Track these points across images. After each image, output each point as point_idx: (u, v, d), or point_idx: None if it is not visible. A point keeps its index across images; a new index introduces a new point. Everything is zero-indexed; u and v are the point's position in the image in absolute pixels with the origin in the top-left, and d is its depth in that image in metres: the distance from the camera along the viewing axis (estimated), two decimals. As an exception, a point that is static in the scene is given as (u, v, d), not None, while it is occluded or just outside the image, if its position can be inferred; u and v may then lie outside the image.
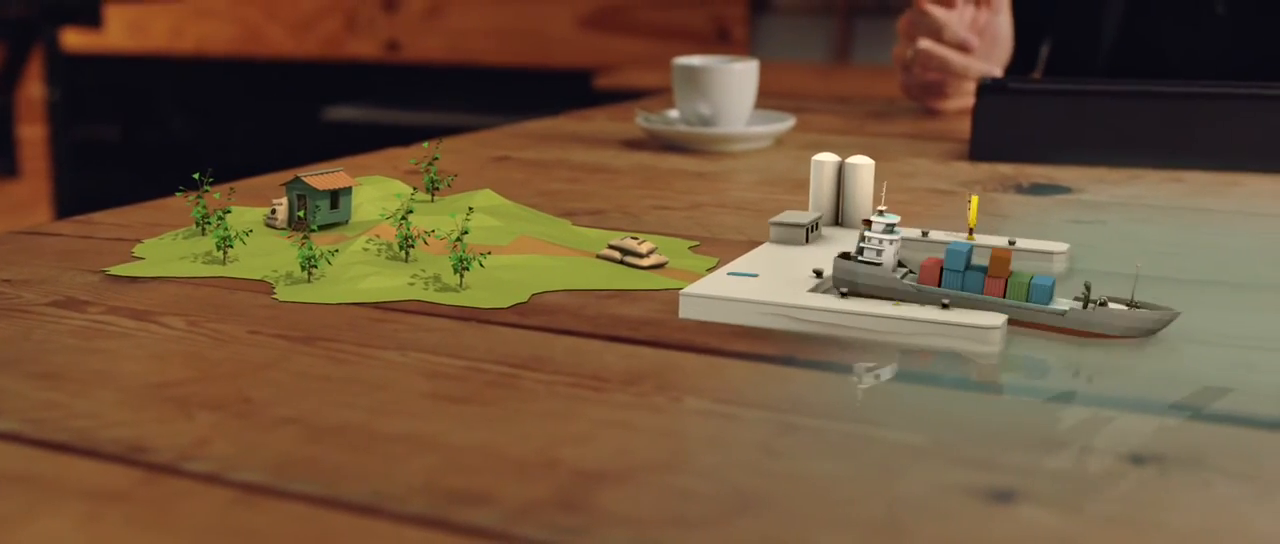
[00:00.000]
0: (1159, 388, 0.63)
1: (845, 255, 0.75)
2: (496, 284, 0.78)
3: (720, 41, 3.56)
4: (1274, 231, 0.96)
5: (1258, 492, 0.51)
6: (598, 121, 1.45)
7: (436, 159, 0.92)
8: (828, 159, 0.91)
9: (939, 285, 0.73)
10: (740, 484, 0.51)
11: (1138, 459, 0.54)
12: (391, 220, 0.82)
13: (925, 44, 1.37)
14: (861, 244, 0.75)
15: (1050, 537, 0.47)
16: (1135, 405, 0.60)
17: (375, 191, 0.92)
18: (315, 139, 3.85)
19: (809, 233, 0.87)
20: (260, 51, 4.00)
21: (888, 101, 1.63)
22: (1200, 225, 0.97)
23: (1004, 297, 0.72)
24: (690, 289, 0.75)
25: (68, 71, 3.18)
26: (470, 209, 0.83)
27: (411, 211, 0.82)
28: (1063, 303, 0.72)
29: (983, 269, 0.73)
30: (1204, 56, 1.44)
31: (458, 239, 0.77)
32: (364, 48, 3.92)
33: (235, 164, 1.18)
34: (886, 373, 0.65)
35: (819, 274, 0.78)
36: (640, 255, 0.83)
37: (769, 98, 1.54)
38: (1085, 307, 0.71)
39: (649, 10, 3.64)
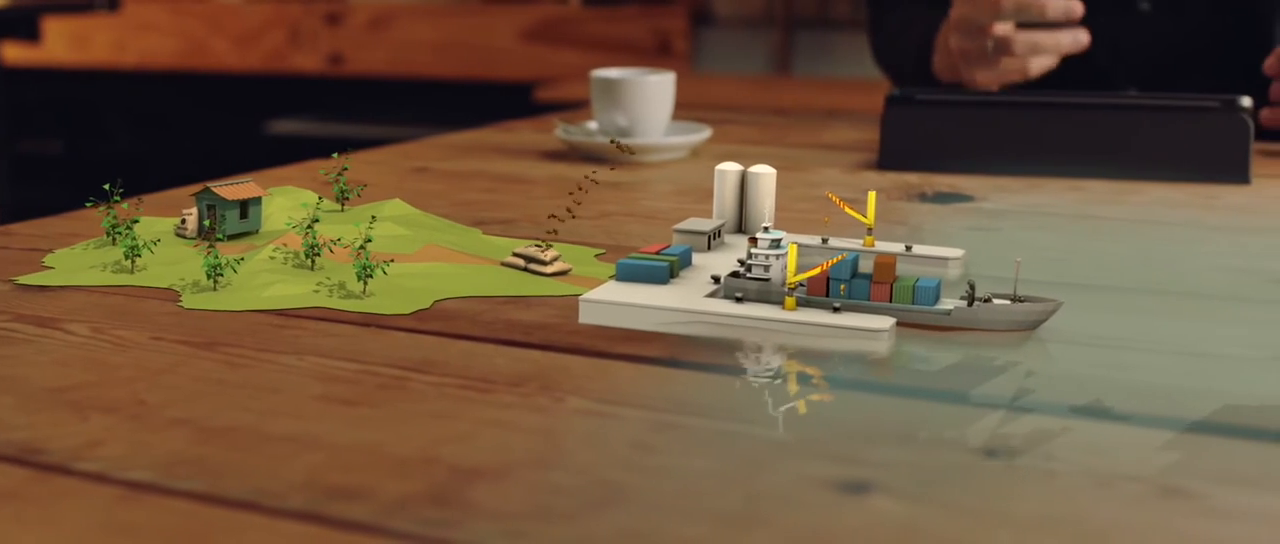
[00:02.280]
0: (1024, 385, 0.65)
1: (735, 273, 0.78)
2: (400, 291, 0.80)
3: (662, 54, 3.58)
4: (1163, 238, 0.99)
5: (1100, 483, 0.54)
6: (521, 133, 1.48)
7: (346, 169, 0.94)
8: (730, 168, 0.94)
9: (827, 295, 0.76)
10: (609, 479, 0.54)
11: (990, 452, 0.56)
12: (298, 229, 0.84)
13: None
14: (748, 260, 0.77)
15: (895, 525, 0.50)
16: (997, 402, 0.63)
17: (286, 202, 0.94)
18: (260, 152, 3.85)
19: (711, 240, 0.89)
20: (204, 65, 4.00)
21: (828, 113, 1.66)
22: (1093, 232, 1.00)
23: (890, 301, 0.75)
24: (589, 295, 0.77)
25: (8, 85, 3.17)
26: (373, 218, 0.85)
27: (317, 220, 0.84)
28: (948, 303, 0.75)
29: (868, 276, 0.76)
30: (1130, 52, 1.48)
31: (361, 247, 0.79)
32: (308, 61, 3.92)
33: (180, 177, 1.19)
34: (765, 373, 0.68)
35: (716, 280, 0.80)
36: (544, 262, 0.85)
37: (708, 109, 1.57)
38: (970, 305, 0.74)
39: (592, 23, 3.66)
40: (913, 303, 0.75)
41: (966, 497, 0.52)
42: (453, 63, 3.80)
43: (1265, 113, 1.30)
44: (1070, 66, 1.46)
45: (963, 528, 0.50)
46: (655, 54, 3.59)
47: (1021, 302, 0.74)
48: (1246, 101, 1.19)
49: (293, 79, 3.98)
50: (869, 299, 0.75)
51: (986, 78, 1.34)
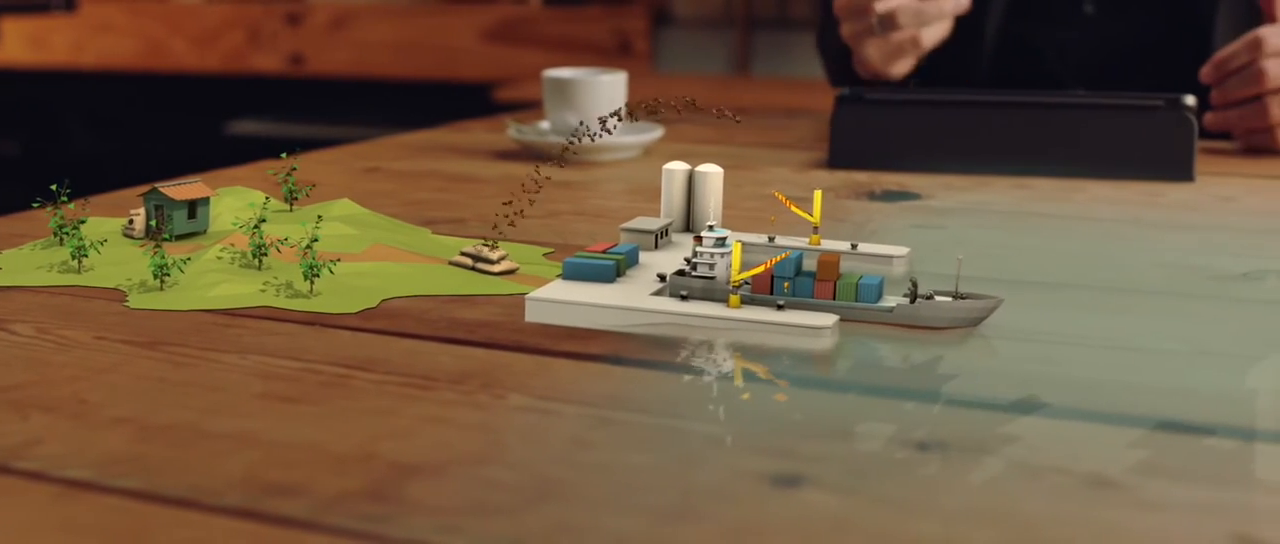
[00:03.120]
0: (961, 380, 0.66)
1: (680, 272, 0.79)
2: (347, 290, 0.81)
3: (622, 54, 3.59)
4: (1105, 235, 1.00)
5: (1029, 475, 0.55)
6: (474, 133, 1.48)
7: (294, 169, 0.95)
8: (678, 167, 0.94)
9: (771, 293, 0.76)
10: (546, 474, 0.54)
11: (923, 446, 0.57)
12: (245, 229, 0.84)
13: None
14: (694, 259, 0.78)
15: (826, 517, 0.50)
16: (933, 397, 0.64)
17: (234, 202, 0.94)
18: (220, 153, 3.83)
19: (658, 239, 0.90)
20: (163, 65, 3.99)
21: (787, 113, 1.66)
22: (1037, 229, 1.02)
23: (834, 298, 0.76)
24: (536, 294, 0.78)
25: (-37, 86, 3.15)
26: (320, 217, 0.86)
27: (264, 220, 0.84)
28: (891, 300, 0.76)
29: (812, 274, 0.77)
30: (1075, 56, 1.49)
31: (307, 246, 0.80)
32: (268, 62, 3.91)
33: (139, 178, 1.19)
34: (707, 370, 0.68)
35: (662, 278, 0.81)
36: (491, 261, 0.86)
37: (673, 110, 1.57)
38: (912, 302, 0.75)
39: (552, 23, 3.66)
40: (856, 300, 0.76)
41: (897, 489, 0.53)
42: (413, 63, 3.79)
43: (1209, 117, 1.32)
44: (1017, 69, 1.48)
45: (891, 519, 0.50)
46: (616, 54, 3.59)
47: (963, 299, 0.75)
48: (1191, 100, 1.20)
49: (253, 79, 3.97)
50: (813, 297, 0.76)
51: (878, 55, 1.34)
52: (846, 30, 1.37)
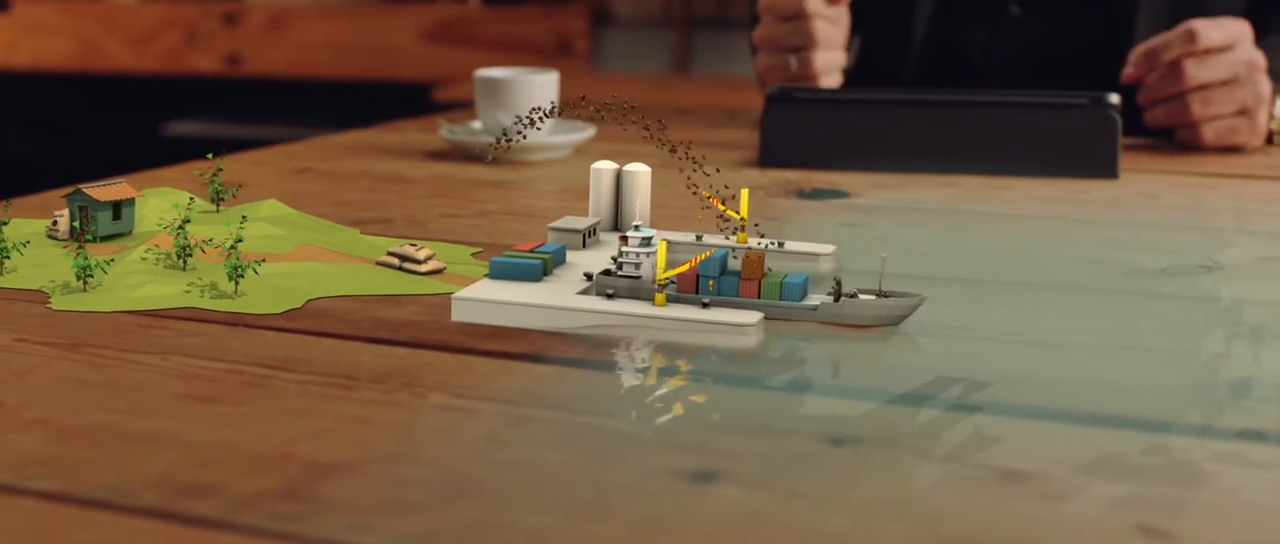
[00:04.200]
0: (881, 376, 0.67)
1: (606, 271, 0.79)
2: (272, 291, 0.81)
3: (562, 54, 3.59)
4: (1030, 232, 1.01)
5: (941, 469, 0.55)
6: (406, 133, 1.48)
7: (221, 170, 0.94)
8: (605, 167, 0.95)
9: (696, 292, 0.77)
10: (462, 472, 0.54)
11: (838, 441, 0.58)
12: (169, 230, 0.84)
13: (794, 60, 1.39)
14: (619, 258, 0.78)
15: (738, 513, 0.51)
16: (852, 393, 0.65)
17: (160, 203, 0.94)
18: (157, 154, 3.80)
19: (586, 238, 0.90)
20: (99, 66, 3.95)
21: (726, 112, 1.67)
22: (963, 227, 1.03)
23: (758, 297, 0.76)
24: (462, 293, 0.78)
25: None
26: (243, 218, 0.85)
27: (189, 221, 0.84)
28: (815, 299, 0.77)
29: (737, 274, 0.77)
30: (1002, 57, 1.50)
31: (231, 247, 0.80)
32: (205, 62, 3.89)
33: (75, 180, 1.18)
34: (629, 368, 0.69)
35: (589, 277, 0.81)
36: (418, 261, 0.86)
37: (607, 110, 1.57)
38: (836, 300, 0.76)
39: (491, 23, 3.65)
40: (780, 299, 0.76)
41: (810, 484, 0.54)
42: (352, 63, 3.78)
43: (1151, 114, 1.34)
44: (945, 70, 1.49)
45: (803, 514, 0.51)
46: (555, 54, 3.59)
47: (886, 297, 0.76)
48: (1114, 98, 1.22)
49: (190, 80, 3.94)
50: (738, 296, 0.77)
51: (765, 63, 1.42)
52: (762, 63, 1.43)
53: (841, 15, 1.40)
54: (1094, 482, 0.54)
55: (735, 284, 0.77)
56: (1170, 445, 0.58)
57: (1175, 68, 1.30)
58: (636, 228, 0.79)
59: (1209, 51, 1.29)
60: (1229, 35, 1.30)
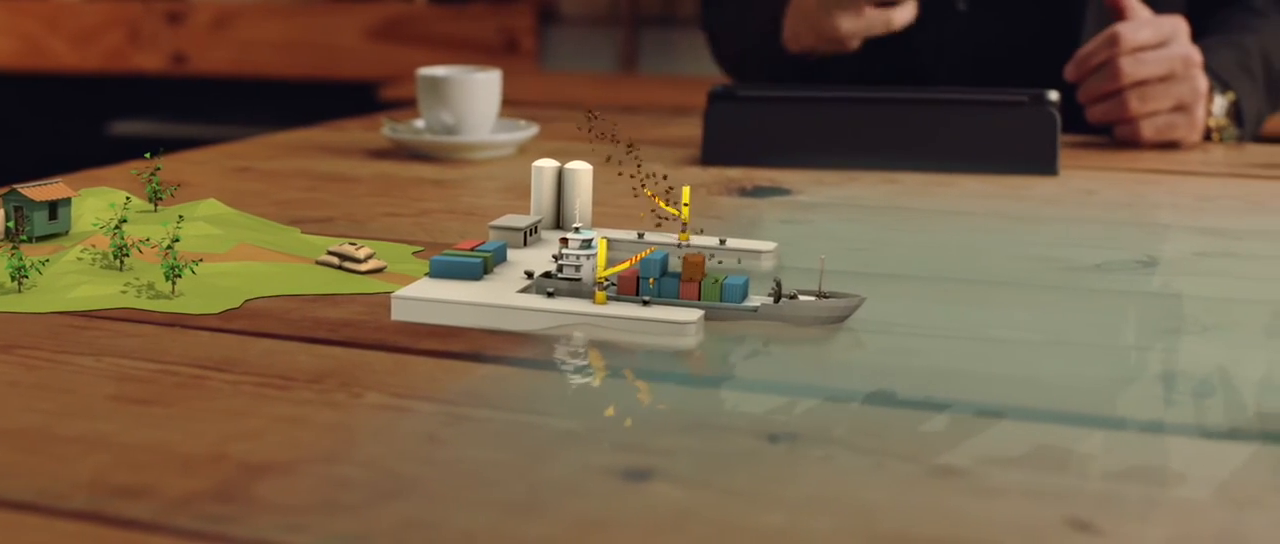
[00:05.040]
0: (818, 373, 0.67)
1: (547, 274, 0.79)
2: (211, 291, 0.80)
3: (509, 52, 3.58)
4: (970, 228, 1.02)
5: (875, 464, 0.56)
6: (349, 132, 1.47)
7: (159, 169, 0.94)
8: (547, 165, 0.95)
9: (637, 293, 0.77)
10: (397, 471, 0.54)
11: (773, 438, 0.58)
12: (105, 230, 0.83)
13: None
14: (560, 260, 0.78)
15: (672, 510, 0.51)
16: (789, 390, 0.65)
17: (97, 202, 0.93)
18: (102, 154, 3.77)
19: (527, 236, 0.90)
20: (41, 65, 3.91)
21: (673, 110, 1.67)
22: (903, 224, 1.03)
23: (698, 298, 0.76)
24: (402, 292, 0.77)
25: None
26: (180, 217, 0.85)
27: (125, 220, 0.83)
28: (756, 299, 0.77)
29: (678, 275, 0.77)
30: (950, 52, 1.51)
31: (168, 247, 0.79)
32: (149, 61, 3.86)
33: (16, 180, 1.16)
34: (567, 366, 0.69)
35: (530, 275, 0.81)
36: (358, 260, 0.86)
37: (553, 108, 1.57)
38: (777, 301, 0.76)
39: (438, 22, 3.64)
40: (721, 300, 0.76)
41: (744, 481, 0.54)
42: (298, 62, 3.76)
43: (1091, 111, 1.35)
44: (895, 66, 1.50)
45: (736, 510, 0.51)
46: (502, 52, 3.58)
47: (826, 297, 0.76)
48: (1053, 95, 1.23)
49: (134, 79, 3.91)
50: (678, 297, 0.77)
51: (850, 27, 1.38)
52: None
53: None
54: (1025, 476, 0.55)
55: (675, 285, 0.77)
56: (1100, 440, 0.59)
57: (1111, 66, 1.31)
58: (577, 230, 0.79)
59: (1139, 50, 1.30)
60: (1159, 33, 1.31)
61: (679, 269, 0.78)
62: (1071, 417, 0.61)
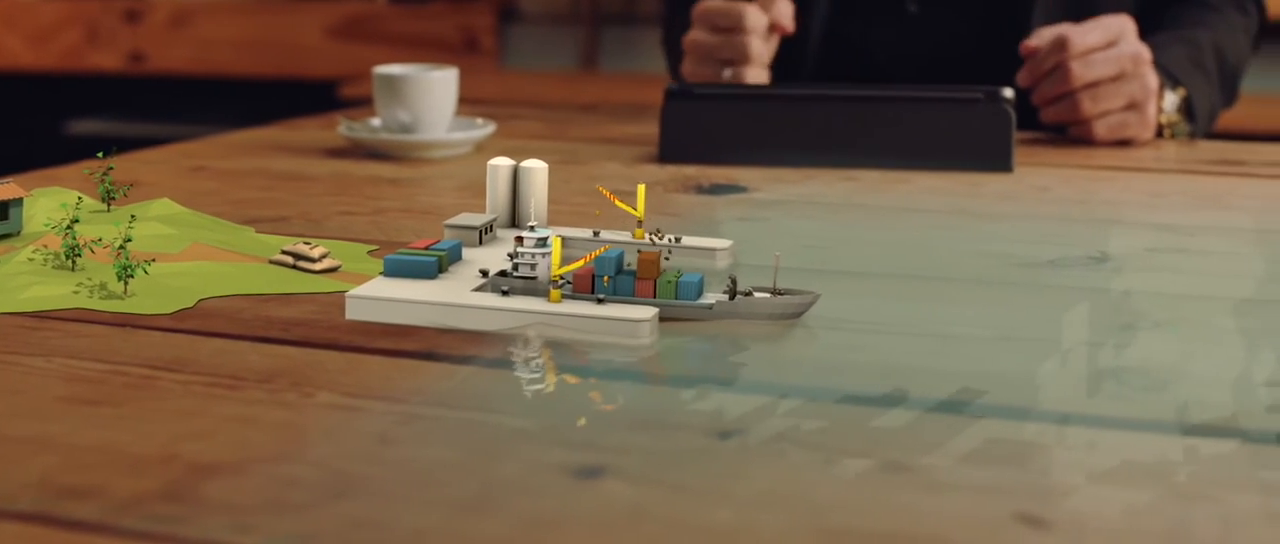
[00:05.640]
0: (772, 370, 0.68)
1: (502, 272, 0.79)
2: (164, 291, 0.80)
3: (469, 51, 3.57)
4: (926, 225, 1.02)
5: (826, 461, 0.56)
6: (306, 131, 1.47)
7: (111, 168, 0.93)
8: (502, 163, 0.94)
9: (592, 292, 0.77)
10: (346, 471, 0.54)
11: (725, 435, 0.58)
12: (57, 230, 0.83)
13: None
14: (515, 259, 0.78)
15: (623, 507, 0.51)
16: (742, 387, 0.65)
17: (49, 203, 0.92)
18: (59, 153, 3.74)
19: (482, 235, 0.90)
20: (-3, 64, 3.89)
21: (634, 108, 1.67)
22: (858, 221, 1.03)
23: (654, 296, 0.76)
24: (356, 291, 0.77)
25: None
26: (133, 217, 0.85)
27: (77, 221, 0.83)
28: (711, 297, 0.77)
29: (633, 273, 0.77)
30: (902, 54, 1.52)
31: (121, 246, 0.79)
32: (107, 60, 3.83)
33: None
34: (520, 364, 0.69)
35: (485, 274, 0.81)
36: (312, 260, 0.85)
37: (513, 106, 1.57)
38: (732, 298, 0.76)
39: (398, 20, 3.63)
40: (676, 298, 0.76)
41: (695, 478, 0.54)
42: (258, 60, 3.74)
43: (1045, 112, 1.36)
44: (845, 68, 1.50)
45: (687, 507, 0.51)
46: (463, 51, 3.58)
47: (780, 294, 0.76)
48: (1008, 93, 1.23)
49: (92, 78, 3.88)
50: (633, 295, 0.77)
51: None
52: (688, 69, 1.42)
53: (772, 35, 1.40)
54: (974, 471, 0.55)
55: (631, 283, 0.77)
56: (1051, 435, 0.59)
57: (1062, 70, 1.32)
58: (532, 228, 0.79)
59: (1088, 52, 1.31)
60: (1108, 34, 1.32)
61: (634, 268, 0.78)
62: (1022, 412, 0.62)
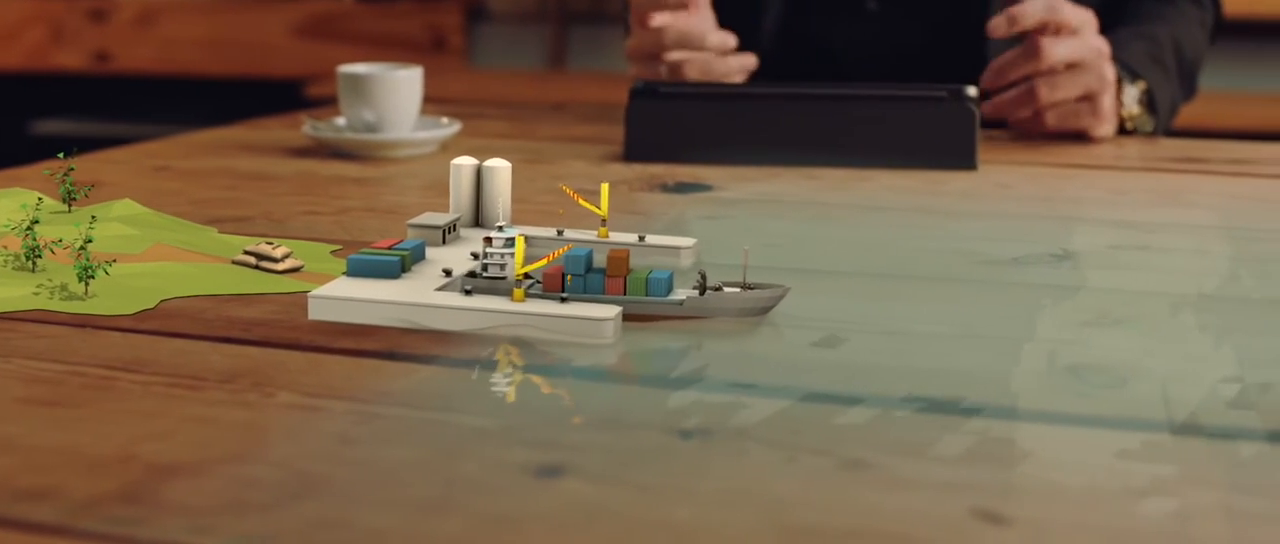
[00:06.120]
0: (734, 368, 0.67)
1: (472, 273, 0.79)
2: (125, 292, 0.79)
3: (437, 50, 3.57)
4: (890, 223, 1.03)
5: (787, 458, 0.56)
6: (270, 130, 1.46)
7: (72, 169, 0.93)
8: (465, 162, 0.94)
9: (563, 291, 0.77)
10: (307, 471, 0.54)
11: (686, 433, 0.58)
12: (17, 231, 0.82)
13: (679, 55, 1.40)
14: (484, 260, 0.78)
15: (583, 506, 0.51)
16: (704, 385, 0.65)
17: (8, 203, 0.92)
18: (22, 153, 3.72)
19: (446, 234, 0.90)
20: (-40, 64, 3.86)
21: (602, 107, 1.67)
22: (824, 219, 1.04)
23: (624, 294, 0.77)
24: (319, 291, 0.77)
25: None
26: (93, 217, 0.84)
27: (37, 221, 0.82)
28: (680, 293, 0.77)
29: (602, 271, 0.77)
30: (860, 52, 1.52)
31: (81, 247, 0.78)
32: (71, 59, 3.81)
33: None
34: (482, 363, 0.69)
35: (448, 273, 0.81)
36: (275, 260, 0.85)
37: (481, 105, 1.57)
38: (701, 294, 0.76)
39: (365, 19, 3.62)
40: (646, 294, 0.77)
41: (655, 476, 0.54)
42: (223, 60, 3.72)
43: (997, 102, 1.36)
44: (804, 66, 1.51)
45: (647, 506, 0.51)
46: (430, 50, 3.57)
47: (750, 289, 0.77)
48: (972, 91, 1.24)
49: (56, 77, 3.86)
50: (603, 292, 0.77)
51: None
52: (635, 71, 1.43)
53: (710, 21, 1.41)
54: (934, 468, 0.55)
55: (600, 281, 0.77)
56: (1010, 431, 0.60)
57: (1032, 45, 1.31)
58: (500, 228, 0.79)
59: (1053, 70, 1.31)
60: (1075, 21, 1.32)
61: (603, 266, 0.78)
62: (983, 409, 0.62)
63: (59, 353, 0.68)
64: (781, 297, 0.77)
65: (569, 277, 0.77)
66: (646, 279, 0.76)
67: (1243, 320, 0.77)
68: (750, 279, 0.78)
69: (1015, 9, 1.33)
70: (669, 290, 0.77)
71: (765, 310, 0.76)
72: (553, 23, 3.52)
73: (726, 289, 0.77)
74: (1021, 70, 1.33)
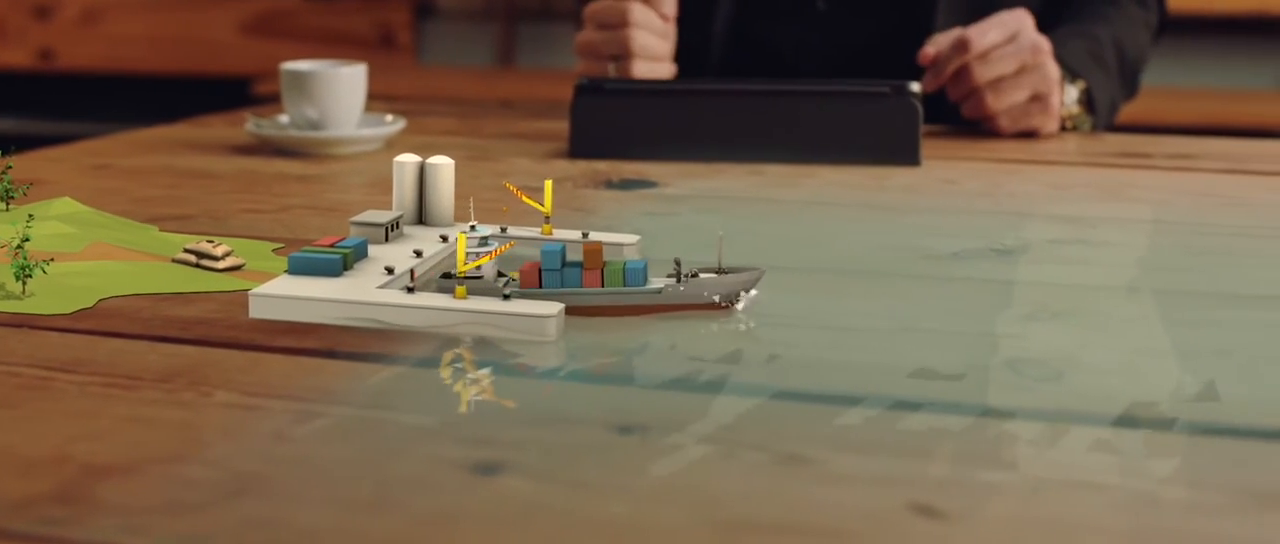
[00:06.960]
0: (674, 365, 0.68)
1: (447, 275, 0.78)
2: (63, 291, 0.79)
3: (385, 47, 3.55)
4: (832, 219, 1.03)
5: (724, 454, 0.56)
6: (213, 128, 1.45)
7: (9, 168, 0.92)
8: (408, 160, 0.94)
9: (540, 287, 0.77)
10: (243, 470, 0.54)
11: (624, 430, 0.58)
12: (-48, 230, 0.81)
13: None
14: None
15: (520, 503, 0.51)
16: (644, 381, 0.65)
17: (-54, 203, 0.91)
18: (-35, 152, 3.68)
19: (388, 232, 0.89)
20: (-98, 62, 3.82)
21: (550, 104, 1.67)
22: (767, 215, 1.04)
23: (602, 286, 0.77)
24: (259, 289, 0.77)
25: None
26: (31, 216, 0.83)
27: (-28, 221, 0.81)
28: (658, 282, 0.77)
29: (579, 264, 0.77)
30: (810, 52, 1.53)
31: (19, 246, 0.77)
32: (15, 57, 3.78)
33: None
34: (422, 361, 0.68)
35: (390, 271, 0.81)
36: (215, 258, 0.85)
37: (429, 102, 1.56)
38: (680, 281, 0.76)
39: (312, 16, 3.61)
40: (624, 285, 0.77)
41: (593, 472, 0.54)
42: (170, 57, 3.70)
43: (963, 109, 1.37)
44: (753, 66, 1.51)
45: (583, 503, 0.51)
46: (378, 47, 3.56)
47: (726, 273, 0.77)
48: (915, 87, 1.24)
49: None
50: (582, 286, 0.77)
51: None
52: (583, 67, 1.43)
53: (668, 30, 1.41)
54: (869, 462, 0.55)
55: (578, 274, 0.77)
56: (946, 425, 0.60)
57: (964, 71, 1.34)
58: (473, 228, 0.79)
59: (987, 51, 1.33)
60: (1005, 31, 1.34)
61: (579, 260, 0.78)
62: (919, 403, 0.62)
63: (-6, 353, 0.68)
64: (758, 278, 0.77)
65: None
66: (623, 270, 0.77)
67: (1182, 313, 0.78)
68: (713, 266, 0.78)
69: (928, 60, 1.34)
70: (646, 279, 0.77)
71: (743, 292, 0.77)
72: (502, 20, 3.51)
73: (703, 275, 0.77)
74: (954, 64, 1.34)
